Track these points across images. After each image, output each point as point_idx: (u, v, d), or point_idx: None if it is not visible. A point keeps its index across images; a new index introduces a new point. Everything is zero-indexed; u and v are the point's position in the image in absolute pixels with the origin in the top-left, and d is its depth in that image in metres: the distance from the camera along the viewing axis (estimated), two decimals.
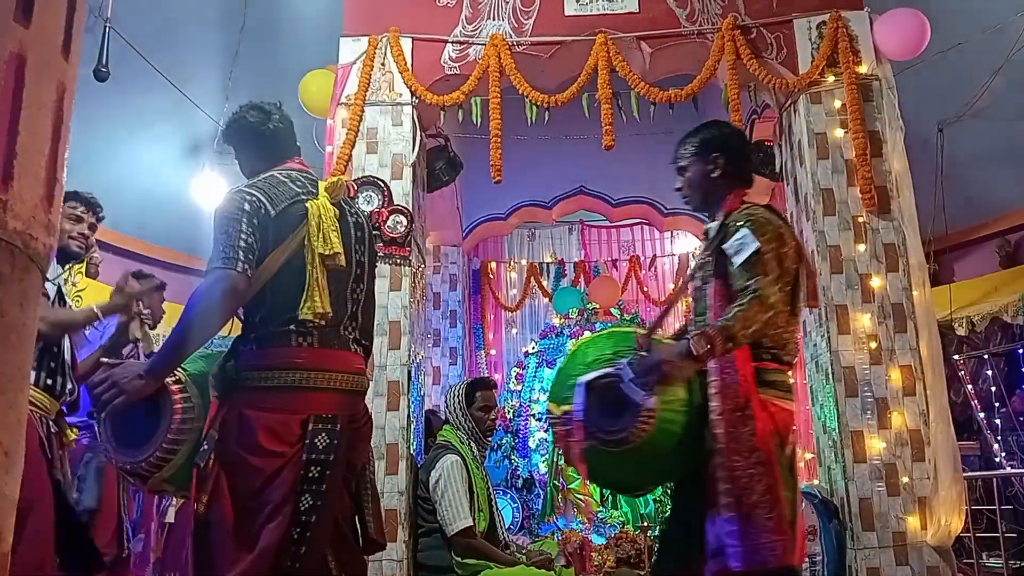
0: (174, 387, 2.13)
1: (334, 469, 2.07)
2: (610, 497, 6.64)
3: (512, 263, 8.29)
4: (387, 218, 4.53)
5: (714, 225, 2.43)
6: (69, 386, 2.68)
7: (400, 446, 4.27)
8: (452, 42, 4.88)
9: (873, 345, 4.27)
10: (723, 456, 2.14)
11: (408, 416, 4.34)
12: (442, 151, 5.40)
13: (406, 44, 4.83)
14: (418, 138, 4.84)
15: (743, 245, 2.21)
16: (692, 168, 2.47)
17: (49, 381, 2.60)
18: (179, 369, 2.15)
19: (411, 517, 4.17)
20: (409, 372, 4.42)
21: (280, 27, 6.38)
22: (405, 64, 4.78)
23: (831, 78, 4.60)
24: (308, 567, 2.01)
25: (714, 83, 4.84)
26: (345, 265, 2.19)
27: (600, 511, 6.52)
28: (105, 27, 4.72)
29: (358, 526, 2.28)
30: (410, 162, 4.73)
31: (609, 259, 8.28)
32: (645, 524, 6.11)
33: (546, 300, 8.06)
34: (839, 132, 4.55)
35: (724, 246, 2.29)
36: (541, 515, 6.69)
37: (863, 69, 4.57)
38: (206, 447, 2.04)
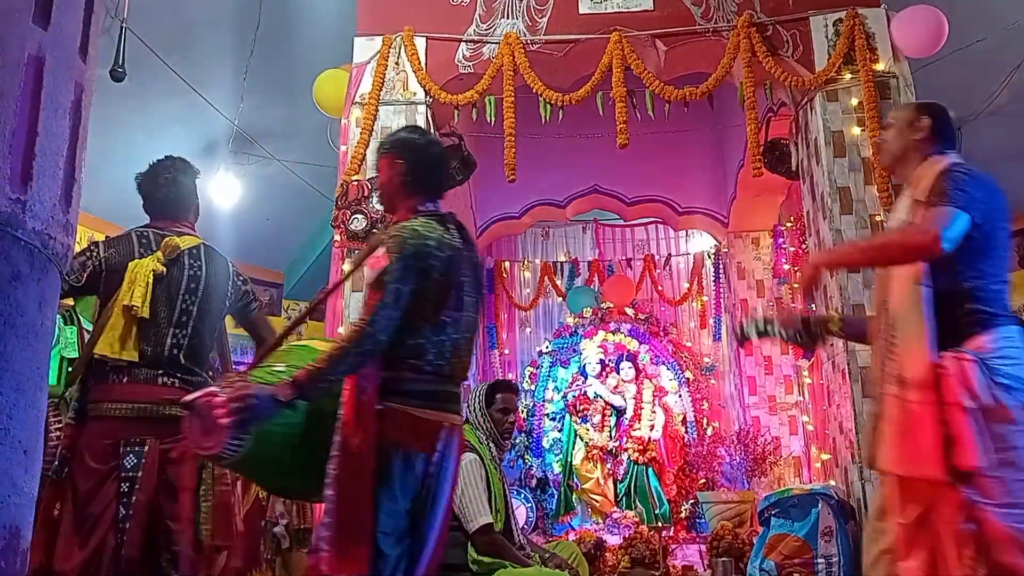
0: None
1: (143, 484, 2.47)
2: (624, 497, 6.62)
3: (526, 262, 8.27)
4: None
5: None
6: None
7: None
8: (466, 41, 4.87)
9: None
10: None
11: None
12: (456, 150, 5.39)
13: (420, 43, 4.83)
14: None
15: None
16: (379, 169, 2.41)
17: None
18: None
19: None
20: None
21: (294, 27, 6.40)
22: (419, 63, 4.78)
23: (848, 76, 4.57)
24: (130, 566, 2.42)
25: (730, 81, 4.81)
26: (150, 316, 2.55)
27: (614, 511, 6.49)
28: (122, 28, 4.75)
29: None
30: None
31: (623, 258, 8.24)
32: (660, 524, 6.10)
33: (560, 299, 8.03)
34: (856, 130, 4.52)
35: None
36: (555, 515, 6.68)
37: (880, 67, 4.54)
38: (58, 463, 2.49)
